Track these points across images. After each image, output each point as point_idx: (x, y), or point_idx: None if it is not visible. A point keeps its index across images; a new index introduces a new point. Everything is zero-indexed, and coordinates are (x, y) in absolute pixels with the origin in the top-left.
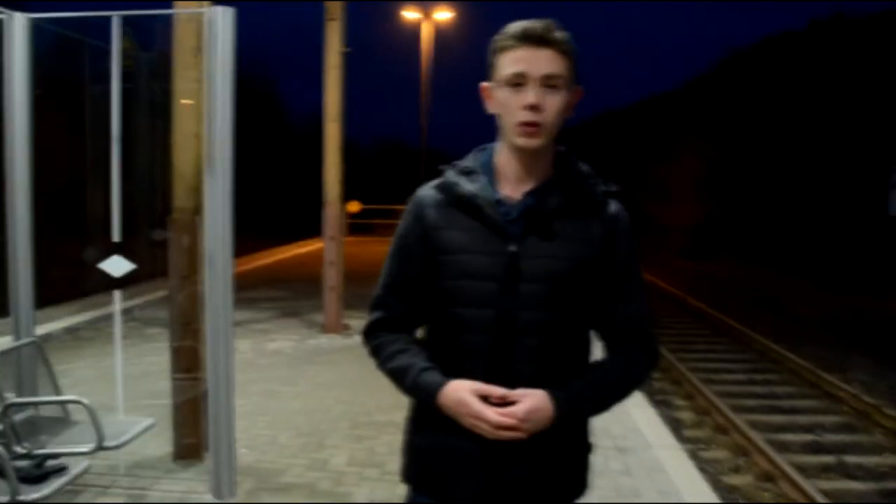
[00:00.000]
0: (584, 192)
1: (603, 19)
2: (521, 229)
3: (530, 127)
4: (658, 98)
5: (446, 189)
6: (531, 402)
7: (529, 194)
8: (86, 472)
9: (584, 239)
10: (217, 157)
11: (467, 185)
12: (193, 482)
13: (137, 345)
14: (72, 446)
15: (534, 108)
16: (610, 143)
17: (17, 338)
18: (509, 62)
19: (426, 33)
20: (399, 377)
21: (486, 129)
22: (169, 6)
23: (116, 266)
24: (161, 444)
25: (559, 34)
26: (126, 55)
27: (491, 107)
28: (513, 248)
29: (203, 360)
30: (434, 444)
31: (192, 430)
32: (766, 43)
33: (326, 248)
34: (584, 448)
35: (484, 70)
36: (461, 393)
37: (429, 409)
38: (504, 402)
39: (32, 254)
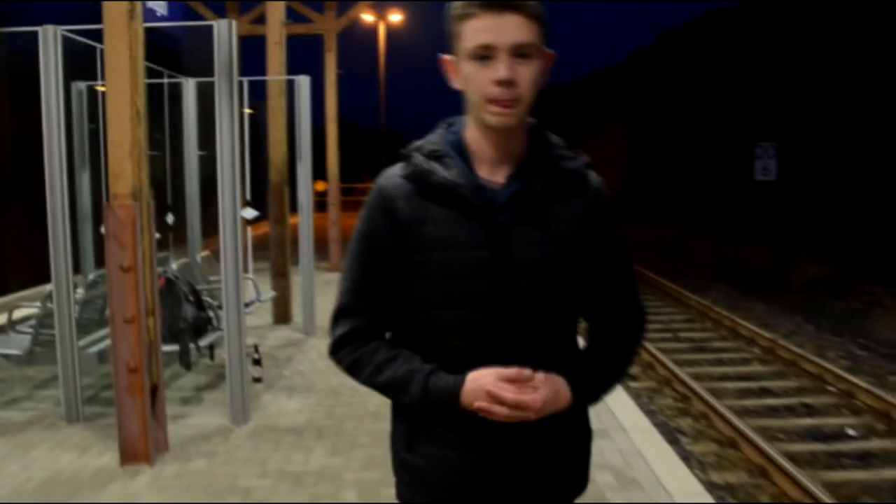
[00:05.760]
0: (566, 169)
1: None
2: (511, 218)
3: (504, 105)
4: (597, 74)
5: (419, 178)
6: (550, 388)
7: (513, 178)
8: (253, 312)
9: (572, 218)
10: (303, 153)
11: (443, 172)
12: (290, 331)
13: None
14: None
15: (507, 83)
16: (550, 116)
17: (194, 255)
18: (473, 32)
19: (382, 32)
20: (400, 388)
21: (431, 107)
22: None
23: (249, 213)
24: (260, 320)
25: None
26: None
27: (456, 82)
28: (504, 238)
29: (287, 268)
30: (430, 461)
31: (284, 306)
32: (700, 20)
33: (330, 212)
34: (587, 435)
35: (444, 41)
36: (487, 383)
37: (419, 422)
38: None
39: (199, 208)
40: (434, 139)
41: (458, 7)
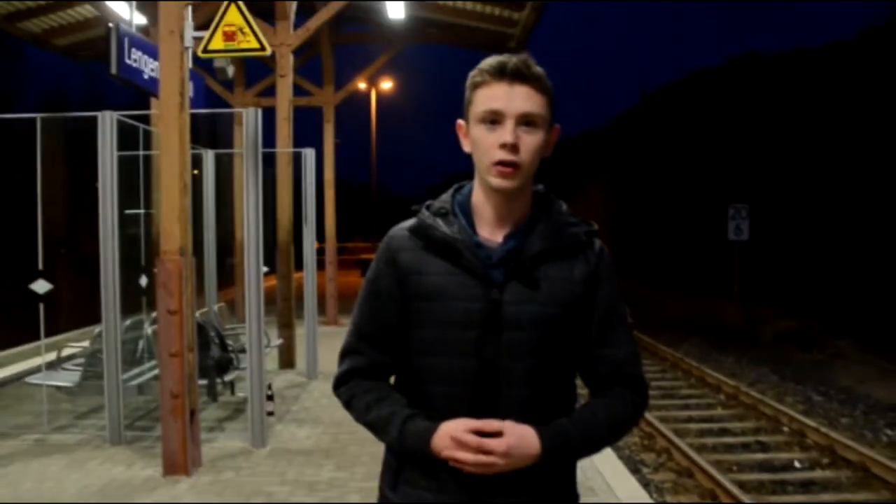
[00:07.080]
0: (565, 233)
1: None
2: (504, 274)
3: (507, 168)
4: (582, 135)
5: (422, 232)
6: (516, 434)
7: (510, 237)
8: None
9: (568, 281)
10: (309, 216)
11: (444, 228)
12: (294, 375)
13: None
14: None
15: (511, 147)
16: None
17: (210, 305)
18: (484, 99)
19: (374, 100)
20: (381, 428)
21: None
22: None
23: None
24: (268, 366)
25: (537, 70)
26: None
27: (466, 145)
28: (495, 294)
29: (292, 319)
30: (408, 502)
31: (289, 353)
32: (679, 84)
33: (327, 269)
34: (572, 499)
35: (460, 108)
36: (454, 431)
37: (403, 465)
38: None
39: (216, 263)
40: (443, 198)
41: (475, 75)
